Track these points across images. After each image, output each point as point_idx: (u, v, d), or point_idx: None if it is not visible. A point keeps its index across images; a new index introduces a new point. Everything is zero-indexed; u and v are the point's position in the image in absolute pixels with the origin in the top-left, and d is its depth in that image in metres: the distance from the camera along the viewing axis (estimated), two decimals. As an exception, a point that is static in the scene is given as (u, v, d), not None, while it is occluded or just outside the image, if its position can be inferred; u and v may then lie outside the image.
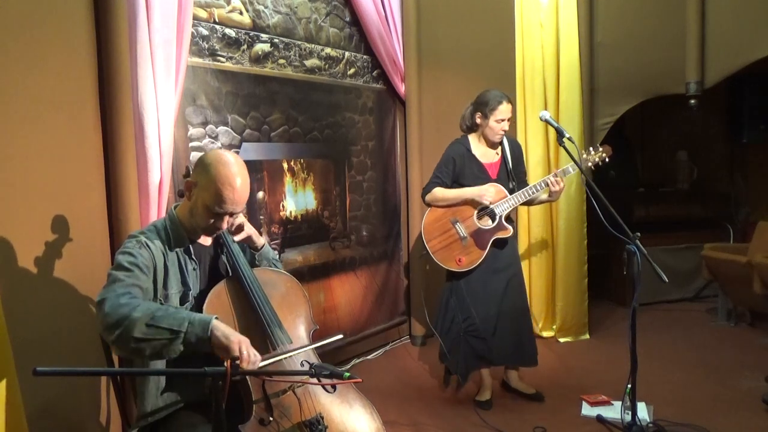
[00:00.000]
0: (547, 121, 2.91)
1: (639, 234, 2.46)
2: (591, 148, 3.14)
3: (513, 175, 3.16)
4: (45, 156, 2.13)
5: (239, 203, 1.73)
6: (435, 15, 4.19)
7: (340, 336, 1.85)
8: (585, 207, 4.17)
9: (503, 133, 3.08)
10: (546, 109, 4.15)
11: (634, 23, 4.30)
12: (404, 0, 4.06)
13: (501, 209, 3.05)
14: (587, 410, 3.08)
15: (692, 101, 4.36)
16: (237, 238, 1.91)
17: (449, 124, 4.28)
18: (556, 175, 3.02)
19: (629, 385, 2.55)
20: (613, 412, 2.99)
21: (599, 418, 2.98)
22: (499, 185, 3.08)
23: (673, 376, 3.53)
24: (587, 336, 4.32)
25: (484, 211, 3.07)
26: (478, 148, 3.16)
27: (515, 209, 3.24)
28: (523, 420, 3.00)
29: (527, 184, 3.14)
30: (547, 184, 3.02)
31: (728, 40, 4.19)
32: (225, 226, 1.77)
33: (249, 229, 1.94)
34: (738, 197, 5.77)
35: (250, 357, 1.52)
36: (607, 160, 3.12)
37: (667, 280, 2.32)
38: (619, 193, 5.09)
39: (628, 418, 2.61)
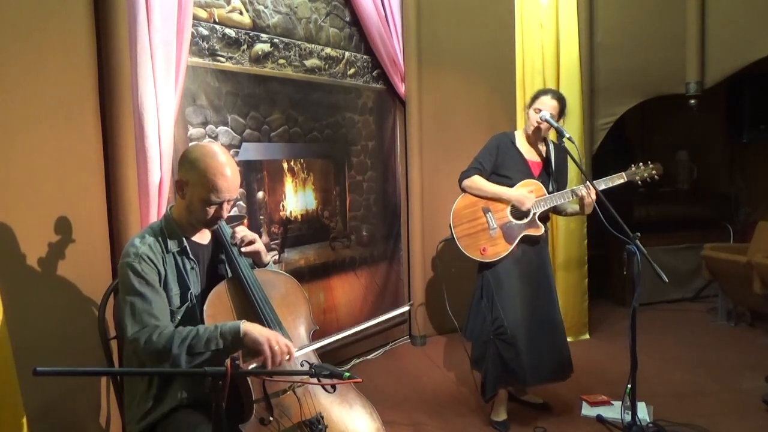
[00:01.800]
0: (547, 121, 2.90)
1: (639, 234, 2.46)
2: (641, 163, 2.98)
3: (554, 177, 3.07)
4: (45, 156, 2.13)
5: (234, 190, 1.76)
6: (435, 15, 4.19)
7: (360, 327, 1.84)
8: (585, 207, 4.17)
9: (537, 125, 2.92)
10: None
11: (634, 23, 4.30)
12: (404, 0, 4.06)
13: (537, 207, 2.95)
14: (587, 410, 3.08)
15: (692, 101, 4.36)
16: (245, 249, 1.88)
17: (449, 124, 4.30)
18: (589, 186, 2.82)
19: (629, 385, 2.55)
20: (613, 412, 2.99)
21: (599, 418, 2.98)
22: (540, 183, 2.99)
23: (673, 376, 3.53)
24: (587, 336, 4.32)
25: None
26: (522, 143, 3.05)
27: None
28: (523, 420, 3.00)
29: None
30: (576, 194, 2.89)
31: (728, 40, 4.19)
32: (225, 213, 1.80)
33: (259, 246, 1.92)
34: (738, 197, 5.77)
35: (283, 350, 1.63)
36: (657, 178, 2.97)
37: (667, 280, 2.32)
38: (619, 193, 5.08)
39: (628, 418, 2.62)
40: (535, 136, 3.00)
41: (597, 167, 4.50)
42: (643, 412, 2.94)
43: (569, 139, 2.76)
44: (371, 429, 1.81)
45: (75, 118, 2.24)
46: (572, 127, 4.09)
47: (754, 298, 4.06)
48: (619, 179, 2.94)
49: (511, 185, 2.97)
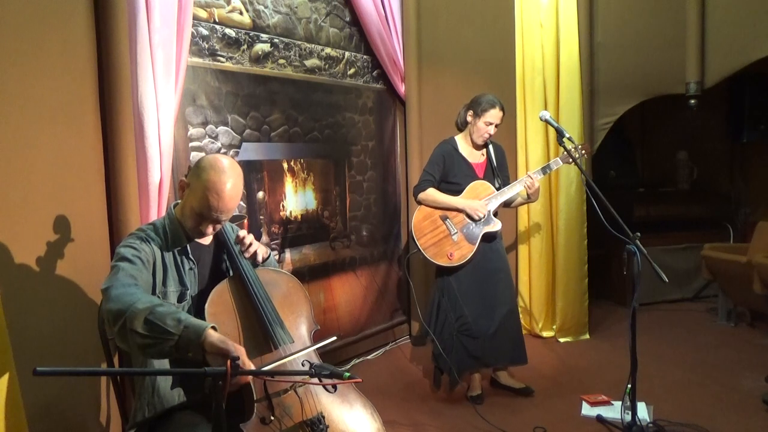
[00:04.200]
0: (547, 121, 2.91)
1: (639, 234, 2.46)
2: (572, 147, 3.17)
3: (498, 174, 3.25)
4: (45, 156, 2.13)
5: (224, 212, 1.72)
6: (435, 15, 4.18)
7: (334, 338, 1.83)
8: (585, 207, 4.17)
9: (488, 136, 3.17)
10: (546, 109, 4.15)
11: (634, 23, 4.30)
12: (404, 0, 4.06)
13: (490, 205, 3.14)
14: (587, 410, 3.08)
15: (692, 101, 4.35)
16: (247, 254, 1.89)
17: (449, 124, 4.27)
18: (530, 176, 3.11)
19: (629, 385, 2.55)
20: (613, 412, 2.99)
21: (599, 418, 2.98)
22: (486, 182, 3.19)
23: (673, 376, 3.53)
24: (587, 336, 4.32)
25: None
26: (464, 148, 3.25)
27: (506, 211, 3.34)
28: (523, 420, 3.00)
29: None
30: (523, 185, 3.13)
31: (728, 40, 4.19)
32: (210, 231, 1.77)
33: (261, 250, 1.94)
34: (738, 197, 5.77)
35: (245, 365, 1.47)
36: (586, 157, 3.23)
37: (667, 280, 2.32)
38: (619, 193, 5.09)
39: (628, 418, 2.61)
40: (480, 143, 3.21)
41: (597, 167, 4.50)
42: (643, 412, 2.94)
43: (569, 139, 2.77)
44: (372, 429, 1.81)
45: (75, 118, 2.24)
46: (572, 127, 4.09)
47: (754, 298, 4.06)
48: (555, 165, 3.21)
49: (461, 190, 3.18)
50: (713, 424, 2.85)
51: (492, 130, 3.15)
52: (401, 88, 4.16)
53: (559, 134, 2.82)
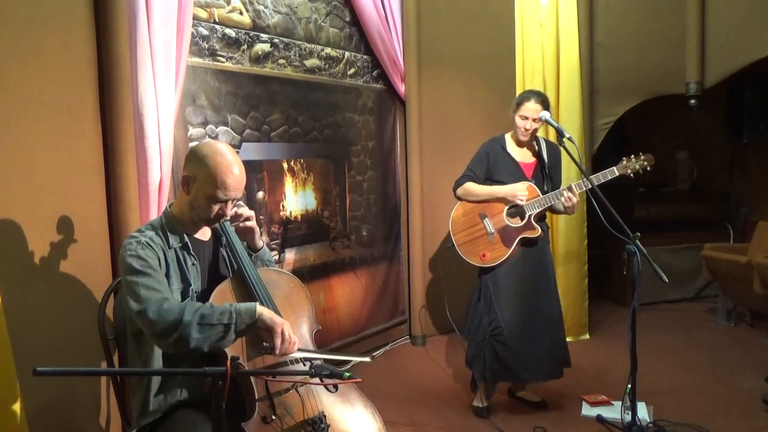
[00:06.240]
0: (547, 121, 2.91)
1: (639, 234, 2.46)
2: (632, 156, 2.92)
3: (548, 177, 3.08)
4: (45, 156, 2.13)
5: (240, 188, 1.78)
6: (435, 15, 4.19)
7: (368, 359, 1.96)
8: (585, 207, 4.17)
9: (527, 130, 2.97)
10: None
11: (634, 23, 4.30)
12: (404, 0, 4.06)
13: (531, 209, 2.97)
14: (587, 410, 3.08)
15: (692, 101, 4.36)
16: (242, 225, 1.93)
17: (449, 124, 4.30)
18: (569, 189, 2.89)
19: (629, 385, 2.55)
20: (613, 412, 2.99)
21: (599, 418, 2.98)
22: (533, 185, 3.00)
23: (673, 376, 3.54)
24: (587, 336, 4.32)
25: (515, 209, 3.00)
26: (513, 147, 3.10)
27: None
28: (523, 420, 3.00)
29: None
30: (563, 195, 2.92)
31: (728, 40, 4.19)
32: (229, 212, 1.81)
33: (254, 224, 1.97)
34: (738, 197, 5.77)
35: (291, 338, 1.65)
36: (648, 169, 2.92)
37: (667, 280, 2.32)
38: (619, 193, 5.09)
39: (628, 418, 2.62)
40: (526, 140, 3.04)
41: (597, 167, 4.50)
42: (643, 412, 2.94)
43: (569, 139, 2.76)
44: (373, 429, 1.81)
45: (75, 119, 2.24)
46: (572, 127, 4.10)
47: (754, 298, 4.06)
48: (610, 174, 2.91)
49: None
50: (713, 424, 2.85)
51: (529, 125, 2.93)
52: (401, 88, 4.16)
53: (559, 134, 2.82)
